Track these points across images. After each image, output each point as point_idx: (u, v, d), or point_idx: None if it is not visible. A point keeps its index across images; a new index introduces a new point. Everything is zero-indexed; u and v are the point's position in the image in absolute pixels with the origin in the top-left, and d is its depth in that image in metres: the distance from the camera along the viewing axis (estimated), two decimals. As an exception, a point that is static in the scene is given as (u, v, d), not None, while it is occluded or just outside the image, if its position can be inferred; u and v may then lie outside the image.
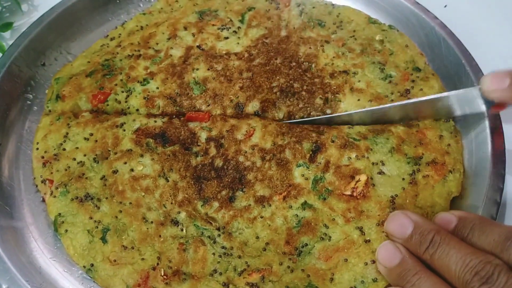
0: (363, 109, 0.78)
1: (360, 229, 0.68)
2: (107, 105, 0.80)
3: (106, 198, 0.71)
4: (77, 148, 0.75)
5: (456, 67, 0.83)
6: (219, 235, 0.68)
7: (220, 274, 0.66)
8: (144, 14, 0.94)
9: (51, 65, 0.87)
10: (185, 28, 0.89)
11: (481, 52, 0.83)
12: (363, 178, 0.72)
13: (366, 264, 0.65)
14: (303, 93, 0.81)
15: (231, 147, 0.75)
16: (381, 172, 0.72)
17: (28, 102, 0.83)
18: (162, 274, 0.65)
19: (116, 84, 0.82)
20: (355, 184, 0.71)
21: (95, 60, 0.86)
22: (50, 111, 0.81)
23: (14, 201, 0.74)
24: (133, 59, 0.85)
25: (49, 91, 0.84)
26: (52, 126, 0.78)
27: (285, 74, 0.83)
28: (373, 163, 0.73)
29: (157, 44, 0.87)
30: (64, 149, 0.75)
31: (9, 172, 0.76)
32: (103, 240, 0.68)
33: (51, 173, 0.74)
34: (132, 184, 0.71)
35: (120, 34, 0.91)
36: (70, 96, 0.81)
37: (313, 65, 0.85)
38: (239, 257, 0.67)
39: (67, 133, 0.77)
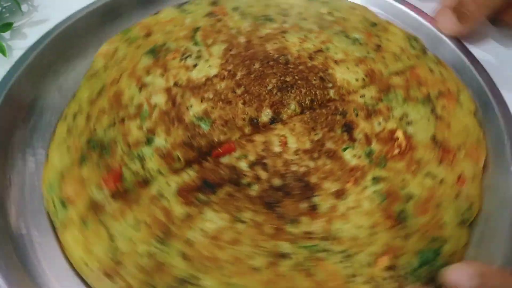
0: None
1: (429, 175, 0.72)
2: (126, 181, 0.71)
3: (203, 273, 0.63)
4: (133, 242, 0.65)
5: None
6: (330, 244, 0.66)
7: (354, 276, 0.64)
8: (90, 78, 0.83)
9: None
10: (148, 73, 0.82)
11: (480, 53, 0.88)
12: (400, 134, 0.76)
13: (456, 196, 0.70)
14: (299, 81, 0.81)
15: (277, 163, 0.72)
16: (409, 123, 0.77)
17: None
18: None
19: (121, 157, 0.72)
20: (398, 142, 0.75)
21: (75, 146, 0.74)
22: (65, 225, 0.69)
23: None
24: (119, 126, 0.75)
25: (48, 205, 0.71)
26: (86, 237, 0.66)
27: (272, 74, 0.82)
28: (400, 118, 0.77)
29: (132, 99, 0.78)
30: (122, 252, 0.65)
31: None
32: None
33: (126, 282, 0.63)
34: (216, 244, 0.65)
35: (79, 108, 0.79)
36: (77, 195, 0.70)
37: (289, 56, 0.85)
38: (358, 252, 0.66)
39: (111, 234, 0.66)
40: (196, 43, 0.87)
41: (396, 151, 0.74)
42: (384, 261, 0.65)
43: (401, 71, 0.85)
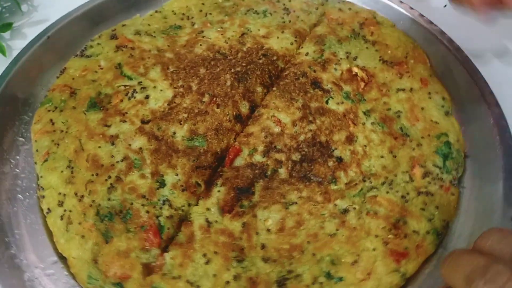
0: None
1: (399, 90, 0.82)
2: (166, 230, 0.67)
3: (293, 263, 0.64)
4: (214, 275, 0.63)
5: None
6: (371, 182, 0.71)
7: (405, 195, 0.70)
8: (43, 163, 0.74)
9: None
10: (107, 125, 0.76)
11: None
12: (356, 69, 0.84)
13: (429, 96, 0.81)
14: (248, 66, 0.83)
15: (285, 140, 0.74)
16: (355, 57, 0.86)
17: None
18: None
19: (146, 211, 0.68)
20: (359, 76, 0.83)
21: (86, 229, 0.67)
22: None
23: None
24: (119, 186, 0.70)
25: None
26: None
27: (222, 72, 0.82)
28: (347, 58, 0.85)
29: (112, 156, 0.73)
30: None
31: None
32: None
33: None
34: (286, 234, 0.67)
35: (59, 195, 0.71)
36: (128, 269, 0.64)
37: (222, 50, 0.87)
38: (395, 176, 0.72)
39: (190, 282, 0.63)
40: (130, 78, 0.83)
41: (362, 84, 0.82)
42: (417, 171, 0.73)
43: (318, 21, 0.92)
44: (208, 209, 0.68)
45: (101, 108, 0.79)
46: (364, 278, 0.63)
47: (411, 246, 0.65)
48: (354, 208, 0.68)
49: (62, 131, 0.77)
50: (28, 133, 0.80)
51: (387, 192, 0.70)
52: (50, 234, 0.70)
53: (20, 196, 0.74)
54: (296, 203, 0.69)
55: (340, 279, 0.63)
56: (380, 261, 0.64)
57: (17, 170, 0.76)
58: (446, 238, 0.69)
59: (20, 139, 0.79)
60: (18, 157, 0.78)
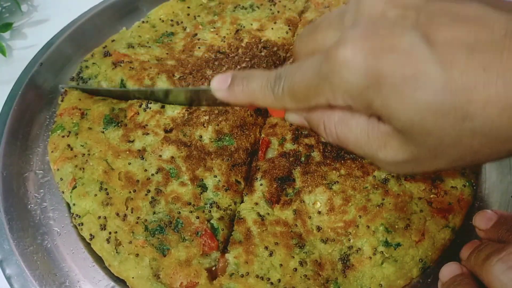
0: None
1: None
2: (220, 232, 0.67)
3: (351, 239, 0.66)
4: (280, 266, 0.64)
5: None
6: None
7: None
8: (72, 190, 0.72)
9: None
10: (130, 140, 0.75)
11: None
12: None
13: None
14: (253, 61, 0.84)
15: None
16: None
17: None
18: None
19: (196, 217, 0.67)
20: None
21: (138, 247, 0.66)
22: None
23: None
24: (161, 198, 0.69)
25: None
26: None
27: (228, 70, 0.83)
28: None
29: (145, 171, 0.72)
30: (283, 281, 0.63)
31: None
32: None
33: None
34: (337, 213, 0.68)
35: (98, 220, 0.69)
36: (193, 276, 0.64)
37: (222, 49, 0.87)
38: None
39: (260, 276, 0.63)
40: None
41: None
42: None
43: (305, 7, 0.94)
44: (256, 203, 0.69)
45: (119, 124, 0.77)
46: (420, 239, 0.66)
47: (454, 200, 0.69)
48: (392, 176, 0.71)
49: (83, 154, 0.75)
50: (44, 164, 0.77)
51: None
52: (98, 260, 0.68)
53: (56, 229, 0.71)
54: (338, 182, 0.71)
55: (398, 244, 0.65)
56: (429, 220, 0.67)
57: (45, 204, 0.73)
58: (477, 189, 0.73)
59: (39, 172, 0.76)
60: (42, 190, 0.75)
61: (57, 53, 0.87)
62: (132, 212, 0.68)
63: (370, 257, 0.64)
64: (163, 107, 0.78)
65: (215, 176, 0.71)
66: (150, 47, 0.89)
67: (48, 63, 0.86)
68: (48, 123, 0.82)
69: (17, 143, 0.78)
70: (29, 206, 0.72)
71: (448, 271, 0.56)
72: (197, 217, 0.67)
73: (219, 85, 0.57)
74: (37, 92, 0.83)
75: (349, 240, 0.66)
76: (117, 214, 0.68)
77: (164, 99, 0.77)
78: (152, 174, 0.71)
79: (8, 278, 0.65)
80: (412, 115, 0.38)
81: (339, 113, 0.47)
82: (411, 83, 0.37)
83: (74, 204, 0.71)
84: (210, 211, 0.68)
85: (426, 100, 0.37)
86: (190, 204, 0.68)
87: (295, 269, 0.63)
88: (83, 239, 0.70)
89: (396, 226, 0.67)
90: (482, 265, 0.49)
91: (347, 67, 0.39)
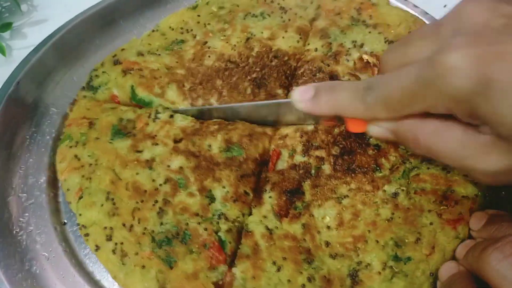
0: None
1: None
2: (228, 244, 0.66)
3: (360, 254, 0.66)
4: (288, 282, 0.64)
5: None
6: (411, 163, 0.73)
7: (446, 168, 0.72)
8: (78, 200, 0.72)
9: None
10: (139, 151, 0.75)
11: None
12: (366, 56, 0.85)
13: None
14: (263, 71, 0.83)
15: (322, 137, 0.75)
16: (361, 45, 0.87)
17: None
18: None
19: (204, 229, 0.67)
20: (371, 63, 0.84)
21: (145, 258, 0.65)
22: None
23: None
24: (168, 209, 0.69)
25: None
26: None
27: (239, 80, 0.82)
28: (354, 46, 0.86)
29: (153, 181, 0.71)
30: None
31: None
32: None
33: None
34: (346, 228, 0.68)
35: (104, 230, 0.68)
36: (198, 290, 0.63)
37: (232, 59, 0.86)
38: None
39: None
40: (147, 102, 0.81)
41: (376, 70, 0.83)
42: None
43: (316, 15, 0.94)
44: (264, 216, 0.68)
45: (127, 135, 0.77)
46: (430, 252, 0.65)
47: (464, 210, 0.67)
48: (402, 190, 0.70)
49: (90, 164, 0.74)
50: (26, 186, 0.77)
51: (428, 168, 0.72)
52: (90, 282, 0.69)
53: (44, 253, 0.71)
54: (348, 196, 0.70)
55: (409, 258, 0.64)
56: (439, 233, 0.66)
57: (31, 228, 0.73)
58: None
59: (22, 195, 0.76)
60: (26, 214, 0.75)
61: (38, 66, 0.85)
62: (139, 223, 0.68)
63: (380, 272, 0.63)
64: (171, 116, 0.78)
65: (224, 187, 0.70)
66: (159, 55, 0.88)
67: (27, 80, 0.84)
68: (29, 143, 0.80)
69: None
70: (15, 232, 0.71)
71: (446, 270, 0.59)
72: (205, 229, 0.66)
73: (302, 96, 0.57)
74: (17, 110, 0.82)
75: (358, 256, 0.65)
76: (124, 225, 0.68)
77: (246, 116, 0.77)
78: (160, 185, 0.71)
79: (-2, 307, 0.65)
80: None
81: (434, 123, 0.47)
82: None
83: (80, 215, 0.71)
84: (218, 223, 0.67)
85: None
86: (198, 215, 0.68)
87: (303, 285, 0.62)
88: (73, 262, 0.70)
89: (406, 240, 0.66)
90: (479, 257, 0.50)
91: (455, 72, 0.40)
